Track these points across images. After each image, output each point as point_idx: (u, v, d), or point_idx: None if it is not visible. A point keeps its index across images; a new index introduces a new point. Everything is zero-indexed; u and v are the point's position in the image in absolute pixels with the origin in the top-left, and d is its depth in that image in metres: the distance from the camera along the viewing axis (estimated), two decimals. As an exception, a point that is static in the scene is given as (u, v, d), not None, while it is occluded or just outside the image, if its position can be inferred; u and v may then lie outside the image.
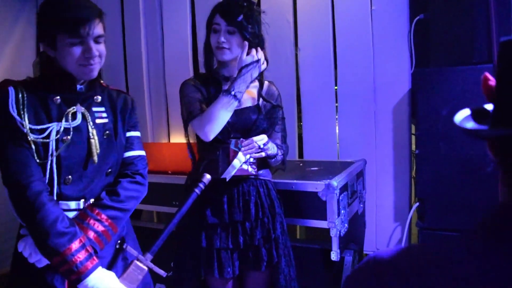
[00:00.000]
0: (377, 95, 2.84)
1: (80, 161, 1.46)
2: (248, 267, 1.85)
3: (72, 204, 1.47)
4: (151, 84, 3.61)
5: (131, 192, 1.57)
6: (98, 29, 1.41)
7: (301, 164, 2.76)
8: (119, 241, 1.58)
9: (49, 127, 1.41)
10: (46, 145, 1.40)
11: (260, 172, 1.90)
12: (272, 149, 1.89)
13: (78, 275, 1.35)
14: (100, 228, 1.47)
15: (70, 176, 1.45)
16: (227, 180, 1.82)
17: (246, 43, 1.80)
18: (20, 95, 1.40)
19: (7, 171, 1.38)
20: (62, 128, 1.42)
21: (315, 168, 2.57)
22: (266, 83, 2.01)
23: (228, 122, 1.80)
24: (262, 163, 1.91)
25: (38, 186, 1.37)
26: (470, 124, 0.69)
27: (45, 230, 1.34)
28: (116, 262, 1.58)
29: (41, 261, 1.41)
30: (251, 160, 1.83)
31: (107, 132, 1.53)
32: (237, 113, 1.84)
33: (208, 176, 1.65)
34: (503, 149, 0.65)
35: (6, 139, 1.38)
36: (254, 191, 1.87)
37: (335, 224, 2.08)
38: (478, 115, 0.71)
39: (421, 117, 2.33)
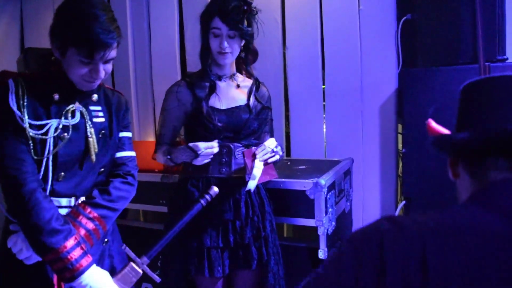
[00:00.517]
0: (364, 95, 2.86)
1: (76, 159, 1.46)
2: (238, 266, 1.85)
3: (63, 201, 1.46)
4: (137, 82, 3.57)
5: (122, 192, 1.58)
6: (113, 53, 1.38)
7: (288, 163, 2.76)
8: (106, 239, 1.58)
9: (48, 123, 1.39)
10: (44, 141, 1.39)
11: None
12: (280, 150, 1.92)
13: (72, 273, 1.34)
14: (91, 226, 1.47)
15: (63, 173, 1.44)
16: (252, 191, 1.84)
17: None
18: (19, 89, 1.37)
19: (2, 166, 1.35)
20: (61, 126, 1.41)
21: (303, 167, 2.57)
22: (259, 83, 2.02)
23: (220, 122, 1.80)
24: None
25: (33, 183, 1.35)
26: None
27: (40, 227, 1.32)
28: (103, 260, 1.58)
29: (31, 258, 1.40)
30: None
31: (103, 131, 1.53)
32: (228, 112, 1.84)
33: (215, 189, 1.66)
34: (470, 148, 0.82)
35: (4, 132, 1.36)
36: (244, 190, 1.86)
37: (322, 223, 2.08)
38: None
39: (407, 116, 2.36)
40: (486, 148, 0.79)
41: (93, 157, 1.47)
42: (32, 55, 2.38)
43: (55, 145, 1.40)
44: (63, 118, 1.42)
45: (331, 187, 2.19)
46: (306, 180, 2.12)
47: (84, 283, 1.35)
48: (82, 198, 1.51)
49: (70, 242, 1.35)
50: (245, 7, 1.81)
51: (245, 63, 1.94)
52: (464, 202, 0.83)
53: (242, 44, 1.86)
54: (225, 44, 1.79)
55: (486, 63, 2.16)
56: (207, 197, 1.61)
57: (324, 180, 2.09)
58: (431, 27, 2.36)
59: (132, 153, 1.67)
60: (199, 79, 1.90)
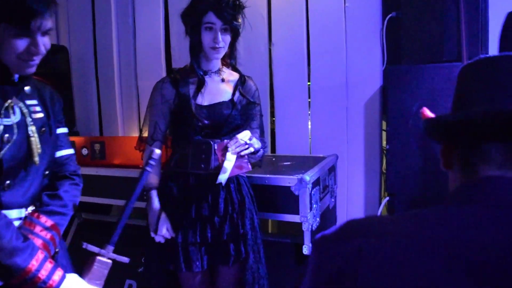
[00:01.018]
0: (349, 91, 2.87)
1: (20, 163, 1.28)
2: (216, 262, 1.85)
3: (13, 213, 1.30)
4: (122, 77, 3.54)
5: (72, 196, 1.46)
6: (49, 22, 1.24)
7: (273, 159, 2.76)
8: (56, 250, 1.44)
9: None
10: None
11: None
12: (257, 143, 1.88)
13: None
14: (48, 236, 1.34)
15: (8, 181, 1.26)
16: (223, 184, 1.81)
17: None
18: None
19: None
20: (2, 126, 1.23)
21: (288, 163, 2.58)
22: (245, 77, 2.00)
23: (200, 118, 1.79)
24: None
25: None
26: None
27: (0, 248, 1.17)
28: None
29: None
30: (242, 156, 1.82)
31: (43, 128, 1.36)
32: (209, 108, 1.83)
33: (157, 151, 1.56)
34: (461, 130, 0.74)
35: None
36: (224, 186, 1.86)
37: (307, 218, 2.09)
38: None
39: (391, 113, 2.37)
40: (481, 130, 0.71)
41: (36, 158, 1.30)
42: None
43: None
44: (2, 116, 1.24)
45: (315, 183, 2.20)
46: (291, 176, 2.12)
47: None
48: (31, 208, 1.35)
49: (38, 259, 1.21)
50: (237, 2, 1.80)
51: (230, 58, 1.93)
52: (444, 201, 0.76)
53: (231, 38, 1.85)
54: (220, 38, 1.77)
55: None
56: (152, 162, 1.53)
57: (309, 176, 2.09)
58: (416, 25, 2.38)
59: (71, 151, 1.54)
60: (185, 75, 1.88)
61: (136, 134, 3.49)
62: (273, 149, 3.13)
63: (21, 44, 1.20)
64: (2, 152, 1.23)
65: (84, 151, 2.78)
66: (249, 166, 1.87)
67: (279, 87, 3.06)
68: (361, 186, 2.88)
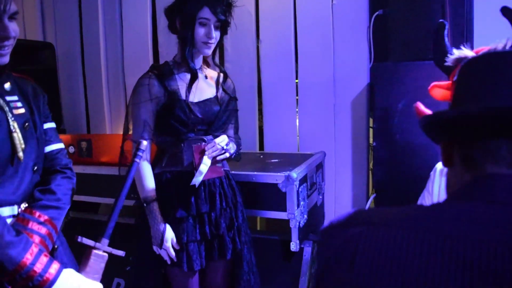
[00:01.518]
0: (337, 89, 2.88)
1: (5, 160, 1.27)
2: (213, 257, 1.85)
3: (6, 211, 1.29)
4: (109, 74, 3.51)
5: (65, 189, 1.45)
6: (13, 5, 1.21)
7: (261, 156, 2.77)
8: (55, 246, 1.44)
9: None
10: None
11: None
12: (233, 148, 1.89)
13: (41, 286, 1.17)
14: (44, 231, 1.32)
15: None
16: (196, 186, 1.80)
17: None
18: None
19: None
20: None
21: (275, 160, 2.58)
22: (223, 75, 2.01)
23: (195, 115, 1.79)
24: None
25: None
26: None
27: None
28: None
29: None
30: (218, 161, 1.83)
31: (27, 124, 1.34)
32: (201, 105, 1.83)
33: (144, 142, 1.52)
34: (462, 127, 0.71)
35: None
36: (218, 181, 1.87)
37: (294, 215, 2.10)
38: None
39: (378, 110, 2.39)
40: (491, 126, 0.68)
41: (20, 154, 1.29)
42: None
43: None
44: None
45: (303, 180, 2.21)
46: (278, 174, 2.13)
47: None
48: (24, 204, 1.34)
49: (32, 253, 1.17)
50: (230, 0, 1.82)
51: (213, 55, 1.93)
52: (446, 198, 0.73)
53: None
54: (213, 34, 1.78)
55: (455, 59, 2.20)
56: (140, 153, 1.49)
57: (296, 174, 2.10)
58: (402, 22, 2.40)
59: (61, 145, 1.52)
60: (169, 71, 1.86)
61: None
62: (261, 146, 3.14)
63: None
64: None
65: (71, 149, 2.76)
66: (223, 171, 1.88)
67: (267, 84, 3.06)
68: (349, 183, 2.90)
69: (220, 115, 1.86)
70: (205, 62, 1.96)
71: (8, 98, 1.32)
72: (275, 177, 2.13)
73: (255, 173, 2.20)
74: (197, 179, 1.78)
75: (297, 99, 3.02)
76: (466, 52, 0.86)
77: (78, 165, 2.67)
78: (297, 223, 2.12)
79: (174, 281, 1.87)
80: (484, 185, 0.67)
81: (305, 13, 2.92)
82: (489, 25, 2.42)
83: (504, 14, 0.85)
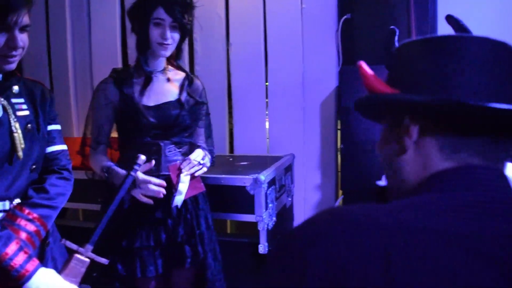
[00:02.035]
0: (306, 92, 2.91)
1: (3, 158, 1.35)
2: (172, 265, 1.83)
3: None
4: (77, 77, 3.45)
5: (60, 189, 1.50)
6: (26, 18, 1.30)
7: (231, 159, 2.77)
8: (47, 241, 1.49)
9: None
10: None
11: None
12: (208, 161, 1.88)
13: (17, 281, 1.24)
14: (32, 228, 1.38)
15: None
16: (179, 207, 1.78)
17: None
18: None
19: None
20: None
21: (245, 163, 2.59)
22: (192, 76, 1.99)
23: (147, 119, 1.76)
24: None
25: None
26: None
27: None
28: (46, 263, 1.47)
29: None
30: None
31: (29, 125, 1.42)
32: (156, 109, 1.80)
33: (143, 157, 1.56)
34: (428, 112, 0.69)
35: None
36: (174, 197, 1.83)
37: (262, 218, 2.11)
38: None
39: (345, 113, 2.43)
40: (486, 123, 0.66)
41: (20, 153, 1.37)
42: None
43: None
44: None
45: (271, 182, 2.22)
46: (246, 176, 2.13)
47: None
48: (17, 200, 1.41)
49: (12, 248, 1.25)
50: (188, 0, 1.79)
51: (177, 57, 1.91)
52: (421, 189, 0.69)
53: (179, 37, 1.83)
54: (168, 34, 1.74)
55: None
56: (136, 167, 1.52)
57: (264, 176, 2.11)
58: (369, 26, 2.45)
59: (64, 147, 1.59)
60: (128, 75, 1.84)
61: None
62: (231, 149, 3.14)
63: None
64: None
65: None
66: (203, 186, 1.86)
67: (237, 87, 3.07)
68: (318, 185, 2.92)
69: (180, 119, 1.83)
70: (172, 64, 1.94)
71: (14, 100, 1.41)
72: (243, 180, 2.14)
73: (224, 176, 2.20)
74: (179, 199, 1.75)
75: (267, 102, 3.03)
76: None
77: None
78: (265, 226, 2.13)
79: None
80: (475, 175, 0.67)
81: (275, 16, 2.94)
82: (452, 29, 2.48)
83: (448, 21, 0.86)
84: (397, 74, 0.76)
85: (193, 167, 1.76)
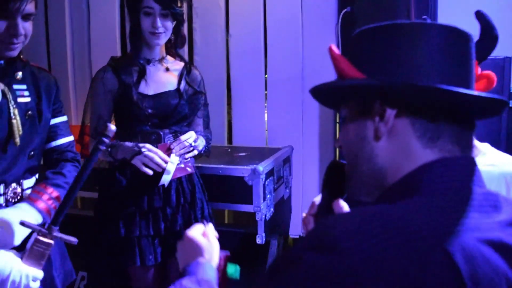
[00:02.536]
0: (305, 84, 2.91)
1: (1, 144, 1.36)
2: (170, 254, 1.84)
3: None
4: (75, 65, 3.44)
5: (73, 177, 1.50)
6: (29, 6, 1.30)
7: (229, 150, 2.77)
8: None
9: None
10: None
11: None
12: (201, 145, 1.87)
13: None
14: (52, 205, 1.43)
15: None
16: (165, 186, 1.78)
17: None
18: None
19: None
20: None
21: (243, 154, 2.60)
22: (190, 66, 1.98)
23: (145, 108, 1.76)
24: None
25: None
26: None
27: None
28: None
29: None
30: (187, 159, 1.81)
31: (29, 112, 1.42)
32: (155, 98, 1.80)
33: (112, 127, 1.39)
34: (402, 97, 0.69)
35: None
36: (163, 182, 1.83)
37: (260, 208, 2.12)
38: None
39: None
40: (469, 109, 0.68)
41: (17, 140, 1.37)
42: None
43: None
44: None
45: (269, 173, 2.23)
46: (245, 167, 2.14)
47: None
48: (14, 185, 1.42)
49: None
50: None
51: (175, 46, 1.90)
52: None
53: (173, 25, 1.82)
54: (159, 23, 1.73)
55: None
56: (106, 140, 1.38)
57: (263, 167, 2.12)
58: (369, 20, 2.42)
59: (71, 138, 1.61)
60: (127, 63, 1.84)
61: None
62: (230, 140, 3.14)
63: (0, 26, 1.26)
64: None
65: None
66: (192, 169, 1.87)
67: (236, 78, 3.07)
68: (316, 177, 2.94)
69: (179, 108, 1.83)
70: (171, 53, 1.93)
71: (16, 87, 1.41)
72: (242, 171, 2.14)
73: (222, 166, 2.20)
74: (165, 179, 1.75)
75: (266, 94, 3.04)
76: None
77: (41, 156, 2.61)
78: (263, 216, 2.14)
79: (135, 278, 1.84)
80: (461, 168, 0.68)
81: (275, 9, 2.93)
82: (452, 23, 2.48)
83: (477, 17, 0.88)
84: (361, 59, 0.76)
85: (183, 148, 1.77)
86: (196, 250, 1.00)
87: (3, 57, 1.36)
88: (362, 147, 0.74)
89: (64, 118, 1.60)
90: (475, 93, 0.67)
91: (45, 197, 1.42)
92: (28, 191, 1.46)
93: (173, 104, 1.82)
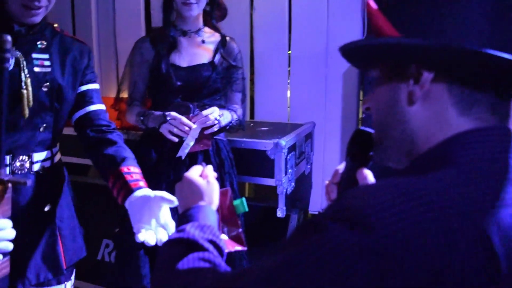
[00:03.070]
0: (329, 61, 2.88)
1: (7, 113, 1.24)
2: None
3: None
4: (100, 37, 3.46)
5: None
6: None
7: (251, 124, 2.79)
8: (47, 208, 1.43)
9: None
10: None
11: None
12: (226, 119, 1.86)
13: None
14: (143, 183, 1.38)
15: None
16: (183, 158, 1.80)
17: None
18: None
19: None
20: None
21: (265, 128, 2.61)
22: (226, 39, 1.98)
23: (179, 80, 1.78)
24: None
25: None
26: None
27: None
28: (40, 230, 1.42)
29: None
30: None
31: (47, 83, 1.35)
32: (187, 70, 1.81)
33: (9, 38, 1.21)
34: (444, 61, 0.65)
35: None
36: (202, 150, 1.86)
37: (281, 182, 2.14)
38: None
39: (368, 82, 2.41)
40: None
41: (26, 112, 1.29)
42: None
43: None
44: None
45: (291, 148, 2.24)
46: (267, 141, 2.16)
47: None
48: (22, 157, 1.35)
49: None
50: None
51: (210, 17, 1.90)
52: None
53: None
54: None
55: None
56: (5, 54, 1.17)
57: (285, 141, 2.13)
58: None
59: (103, 106, 1.54)
60: (165, 34, 1.86)
61: (114, 95, 3.45)
62: (252, 115, 3.15)
63: None
64: None
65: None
66: (210, 143, 1.85)
67: (259, 54, 3.05)
68: (337, 154, 2.94)
69: (211, 81, 1.85)
70: (209, 25, 1.92)
71: (36, 55, 1.34)
72: (264, 144, 2.16)
73: (245, 139, 2.22)
74: (183, 151, 1.78)
75: (289, 70, 3.02)
76: None
77: (71, 127, 2.66)
78: (284, 190, 2.16)
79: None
80: (507, 139, 0.65)
81: (301, -17, 2.89)
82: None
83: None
84: (398, 16, 0.69)
85: (204, 122, 1.77)
86: (195, 193, 0.96)
87: (25, 23, 1.30)
88: (393, 111, 0.70)
89: (95, 86, 1.53)
90: None
91: (138, 176, 1.37)
92: (38, 165, 1.40)
93: (205, 77, 1.83)
